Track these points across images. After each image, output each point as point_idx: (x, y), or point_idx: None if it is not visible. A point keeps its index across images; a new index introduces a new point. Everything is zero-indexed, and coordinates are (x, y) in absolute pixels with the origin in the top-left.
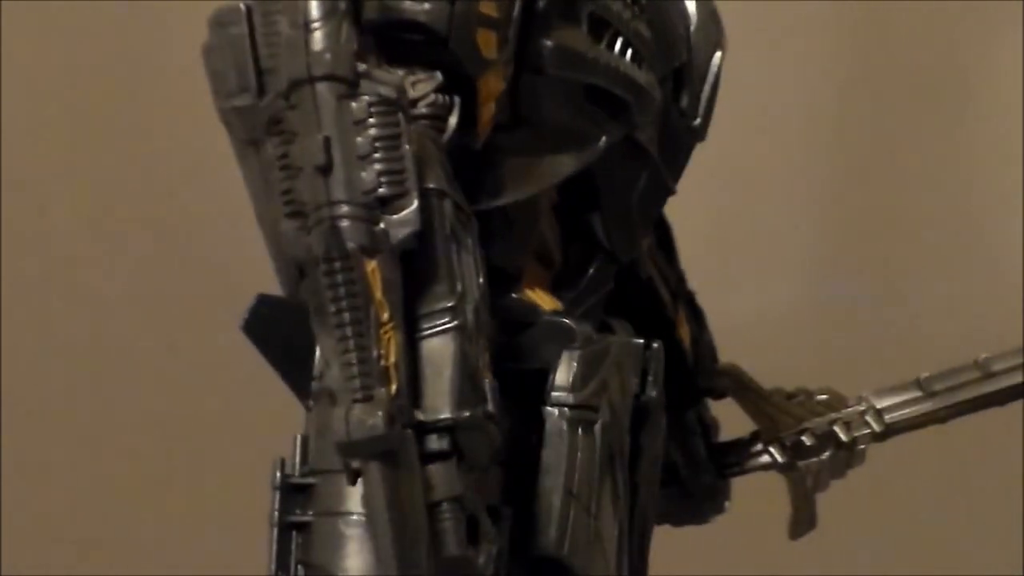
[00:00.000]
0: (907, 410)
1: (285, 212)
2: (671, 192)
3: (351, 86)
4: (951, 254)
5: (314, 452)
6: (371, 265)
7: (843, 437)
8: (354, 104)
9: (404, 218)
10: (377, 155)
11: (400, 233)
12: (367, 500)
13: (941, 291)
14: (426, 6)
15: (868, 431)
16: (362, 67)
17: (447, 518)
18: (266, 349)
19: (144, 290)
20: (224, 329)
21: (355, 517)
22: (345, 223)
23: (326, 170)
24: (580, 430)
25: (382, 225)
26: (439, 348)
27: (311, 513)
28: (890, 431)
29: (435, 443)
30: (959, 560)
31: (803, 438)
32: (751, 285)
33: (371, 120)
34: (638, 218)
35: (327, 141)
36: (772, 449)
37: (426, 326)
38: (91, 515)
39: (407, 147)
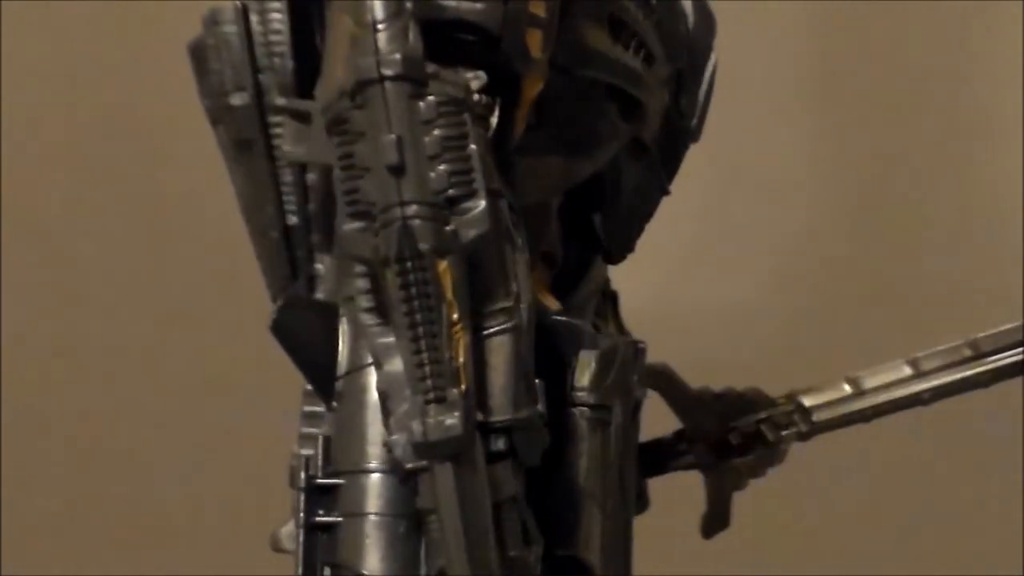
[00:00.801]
0: (834, 409)
1: (348, 212)
2: (666, 192)
3: (420, 86)
4: (949, 245)
5: (338, 452)
6: (442, 265)
7: (769, 437)
8: (422, 104)
9: (473, 218)
10: (445, 155)
11: (470, 234)
12: (438, 501)
13: (936, 285)
14: (479, 6)
15: (794, 430)
16: (430, 67)
17: (508, 518)
18: (292, 350)
19: (145, 290)
20: (225, 330)
21: (376, 517)
22: (417, 223)
23: (398, 170)
24: (600, 430)
25: (451, 226)
26: (497, 349)
27: (336, 513)
28: (816, 431)
29: (495, 443)
30: (959, 560)
31: (729, 437)
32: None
33: (439, 120)
34: (636, 218)
35: (399, 141)
36: (697, 448)
37: (484, 326)
38: (91, 515)
39: (473, 147)
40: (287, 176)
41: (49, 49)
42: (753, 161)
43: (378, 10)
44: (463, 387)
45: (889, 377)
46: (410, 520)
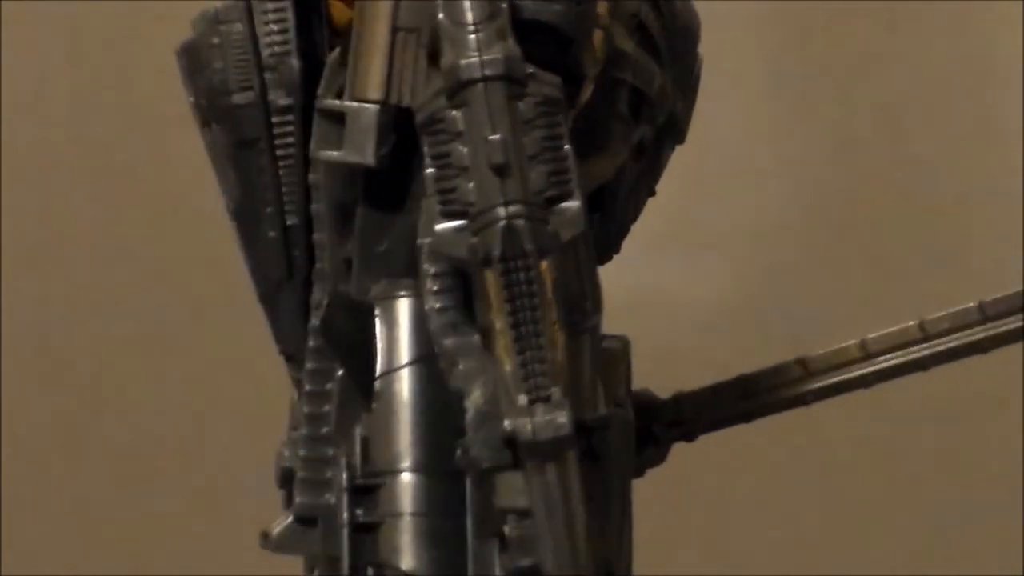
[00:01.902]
0: (718, 411)
1: (442, 212)
2: (652, 193)
3: (521, 86)
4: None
5: (376, 452)
6: (543, 265)
7: (659, 436)
8: (522, 104)
9: (570, 219)
10: (544, 155)
11: (568, 234)
12: (541, 500)
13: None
14: (556, 7)
15: (678, 430)
16: (529, 68)
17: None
18: (338, 348)
19: (145, 291)
20: (226, 330)
21: (415, 517)
22: (520, 223)
23: (503, 170)
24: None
25: (550, 226)
26: (577, 349)
27: (380, 513)
28: (700, 431)
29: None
30: (959, 560)
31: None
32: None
33: (538, 120)
34: (628, 219)
35: (504, 141)
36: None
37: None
38: (91, 515)
39: (568, 147)
40: (287, 176)
41: (50, 49)
42: (723, 153)
43: (480, 10)
44: (563, 387)
45: (780, 379)
46: (452, 520)
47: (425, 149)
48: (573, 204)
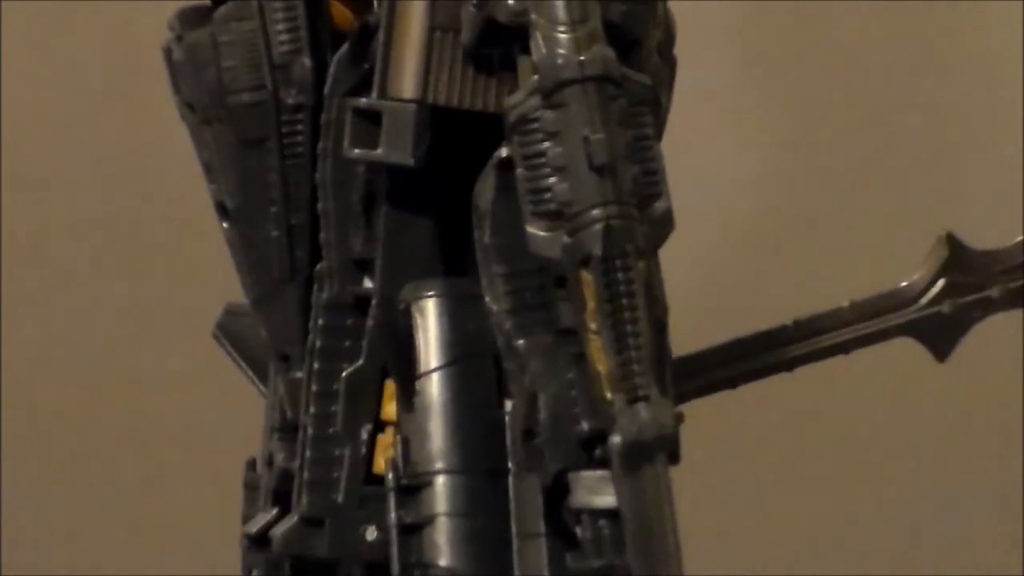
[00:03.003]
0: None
1: (534, 211)
2: None
3: (617, 86)
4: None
5: (418, 453)
6: (640, 265)
7: None
8: (617, 105)
9: (661, 219)
10: (637, 155)
11: (659, 234)
12: (636, 499)
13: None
14: (624, 7)
15: None
16: (622, 68)
17: None
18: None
19: (146, 291)
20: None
21: (458, 518)
22: (620, 223)
23: (603, 170)
24: None
25: (643, 226)
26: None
27: (422, 514)
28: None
29: None
30: (959, 560)
31: None
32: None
33: (631, 121)
34: None
35: (605, 142)
36: None
37: None
38: (91, 515)
39: (657, 147)
40: (294, 175)
41: (51, 49)
42: (692, 146)
43: (576, 10)
44: (659, 385)
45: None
46: (494, 519)
47: (513, 149)
48: (664, 204)
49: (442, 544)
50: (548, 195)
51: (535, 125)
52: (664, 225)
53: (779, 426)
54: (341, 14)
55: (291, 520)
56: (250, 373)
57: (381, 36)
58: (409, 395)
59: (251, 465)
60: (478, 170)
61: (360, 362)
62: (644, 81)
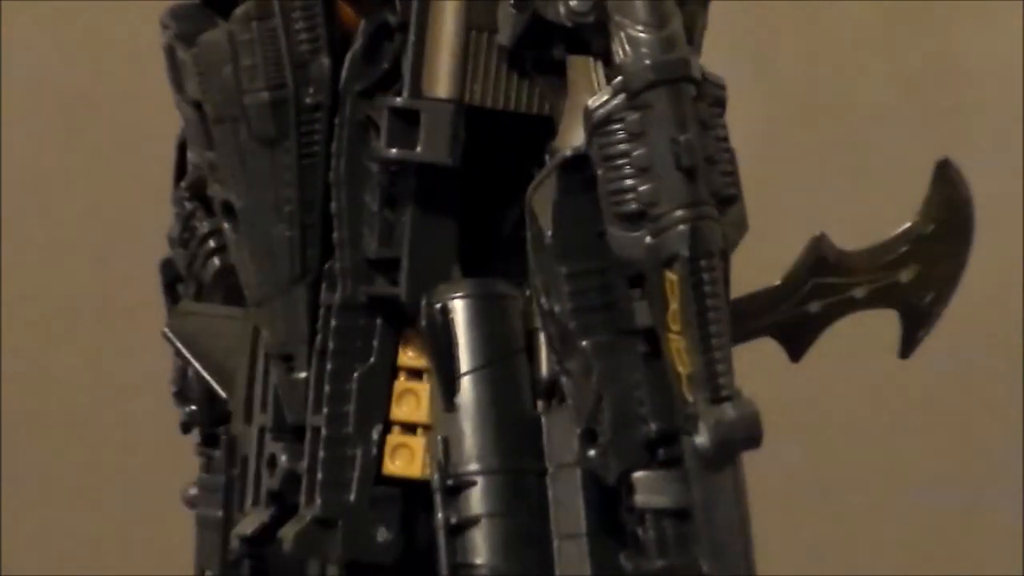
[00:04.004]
0: None
1: (618, 212)
2: None
3: (699, 87)
4: None
5: (457, 454)
6: (722, 265)
7: None
8: (700, 106)
9: (738, 220)
10: (717, 156)
11: (738, 235)
12: (719, 499)
13: None
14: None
15: None
16: (702, 69)
17: None
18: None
19: (146, 290)
20: None
21: (500, 518)
22: (706, 224)
23: (691, 172)
24: None
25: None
26: None
27: (462, 515)
28: None
29: None
30: (959, 560)
31: None
32: None
33: (711, 122)
34: None
35: (693, 143)
36: None
37: None
38: (91, 515)
39: (732, 149)
40: (308, 175)
41: (52, 49)
42: None
43: (656, 10)
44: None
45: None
46: (533, 519)
47: (594, 151)
48: (740, 206)
49: (485, 545)
50: (630, 196)
51: (619, 126)
52: (740, 227)
53: (777, 426)
54: (346, 14)
55: (302, 521)
56: (204, 373)
57: (412, 35)
58: (451, 395)
59: (205, 453)
60: (502, 170)
61: (371, 361)
62: (719, 82)
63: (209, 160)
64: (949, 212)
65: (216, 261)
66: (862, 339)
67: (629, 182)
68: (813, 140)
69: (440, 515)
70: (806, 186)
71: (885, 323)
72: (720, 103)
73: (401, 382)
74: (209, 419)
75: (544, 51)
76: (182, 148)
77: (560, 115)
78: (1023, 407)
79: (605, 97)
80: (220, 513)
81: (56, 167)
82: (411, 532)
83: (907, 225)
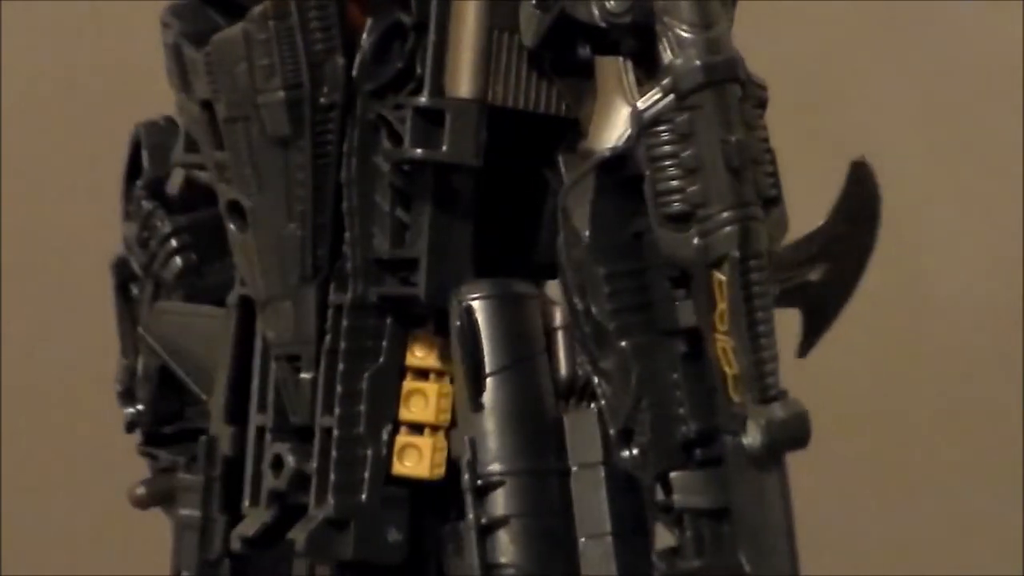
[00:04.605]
0: None
1: (666, 213)
2: None
3: (744, 88)
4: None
5: (489, 453)
6: (769, 266)
7: None
8: (745, 107)
9: (781, 221)
10: (762, 157)
11: (780, 236)
12: (765, 499)
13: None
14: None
15: None
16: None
17: None
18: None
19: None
20: None
21: (526, 518)
22: (755, 224)
23: (739, 172)
24: None
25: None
26: None
27: (498, 515)
28: None
29: None
30: (959, 560)
31: None
32: None
33: (755, 123)
34: None
35: (743, 144)
36: None
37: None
38: (91, 515)
39: (773, 150)
40: (320, 174)
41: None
42: None
43: (705, 11)
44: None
45: None
46: (558, 519)
47: (641, 151)
48: (782, 207)
49: (513, 545)
50: (678, 196)
51: (667, 127)
52: (782, 227)
53: None
54: (351, 13)
55: (313, 522)
56: (180, 373)
57: (432, 35)
58: (479, 395)
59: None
60: (512, 170)
61: (381, 362)
62: (761, 83)
63: (217, 160)
64: (860, 212)
65: (178, 260)
66: (861, 338)
67: (677, 183)
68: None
69: (471, 515)
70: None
71: (885, 321)
72: (762, 104)
73: (408, 382)
74: (154, 419)
75: (568, 51)
76: (136, 147)
77: (588, 116)
78: (1023, 407)
79: (655, 98)
80: (198, 513)
81: (56, 166)
82: (417, 533)
83: (819, 225)
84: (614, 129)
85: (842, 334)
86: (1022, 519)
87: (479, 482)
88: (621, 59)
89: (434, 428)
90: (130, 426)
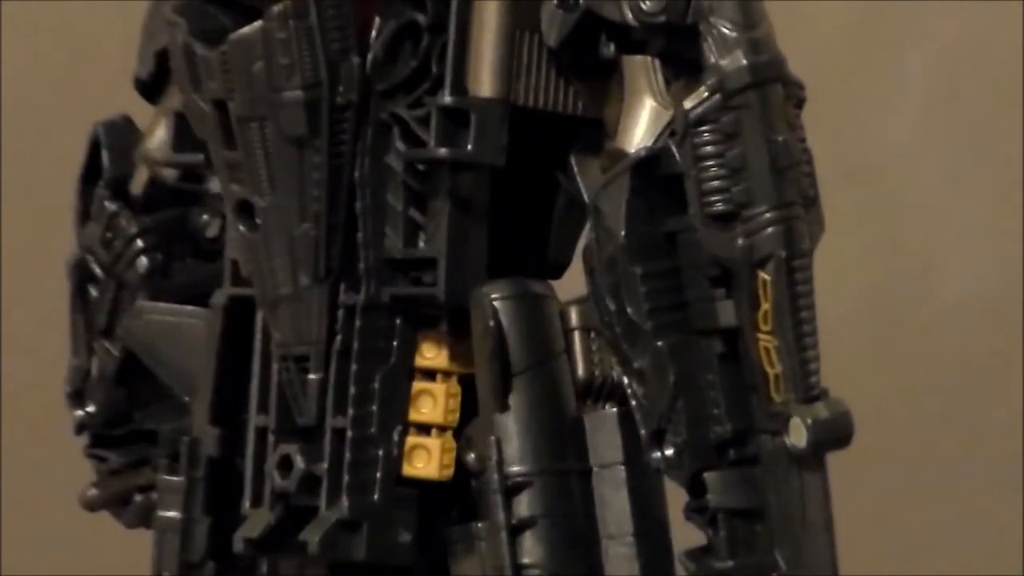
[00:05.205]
0: None
1: (710, 212)
2: None
3: (784, 87)
4: None
5: (516, 453)
6: (811, 265)
7: None
8: (786, 107)
9: (819, 219)
10: (803, 157)
11: (819, 235)
12: (809, 498)
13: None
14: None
15: None
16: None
17: None
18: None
19: None
20: None
21: (550, 519)
22: (799, 223)
23: (784, 172)
24: None
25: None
26: None
27: (526, 515)
28: None
29: None
30: (959, 560)
31: None
32: None
33: (795, 122)
34: None
35: (789, 144)
36: None
37: None
38: (91, 515)
39: (809, 149)
40: (334, 174)
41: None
42: None
43: (750, 12)
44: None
45: None
46: (582, 520)
47: (685, 151)
48: (819, 206)
49: (540, 546)
50: (723, 196)
51: (713, 126)
52: (820, 226)
53: None
54: (360, 12)
55: (326, 523)
56: (159, 374)
57: (452, 35)
58: (505, 395)
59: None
60: (532, 170)
61: (392, 362)
62: (800, 82)
63: (228, 159)
64: None
65: (144, 261)
66: (860, 337)
67: (722, 183)
68: None
69: (501, 516)
70: None
71: (883, 321)
72: (800, 104)
73: (416, 383)
74: (105, 421)
75: (590, 51)
76: (94, 146)
77: (614, 115)
78: (1023, 406)
79: (701, 98)
80: (179, 515)
81: (56, 166)
82: (425, 534)
83: None
84: (641, 128)
85: (843, 332)
86: (1022, 519)
87: (508, 482)
88: (649, 59)
89: (441, 429)
90: (80, 428)
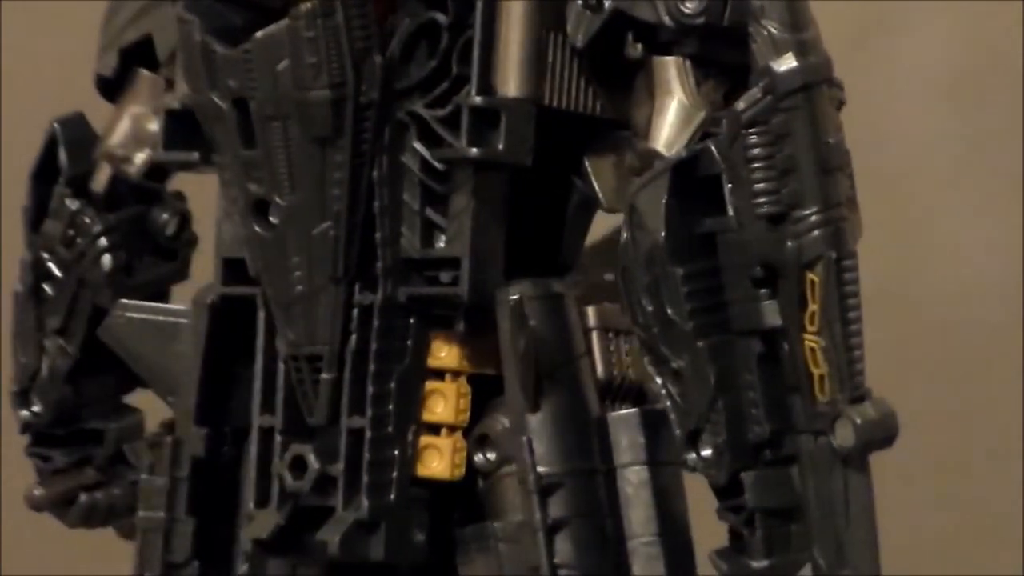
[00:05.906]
0: None
1: (760, 213)
2: None
3: (830, 90)
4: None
5: (545, 454)
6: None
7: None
8: (833, 110)
9: (859, 221)
10: (846, 159)
11: (859, 235)
12: (854, 497)
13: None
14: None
15: None
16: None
17: None
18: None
19: None
20: None
21: (579, 519)
22: (846, 225)
23: (834, 173)
24: None
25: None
26: None
27: (559, 516)
28: None
29: None
30: (959, 560)
31: None
32: None
33: (841, 123)
34: None
35: (839, 145)
36: None
37: None
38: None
39: (848, 150)
40: (357, 173)
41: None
42: None
43: (805, 13)
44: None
45: None
46: (608, 520)
47: (736, 152)
48: (858, 208)
49: (570, 545)
50: (773, 197)
51: (764, 127)
52: (860, 227)
53: None
54: (376, 11)
55: (344, 523)
56: (140, 373)
57: (478, 35)
58: (536, 396)
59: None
60: (551, 171)
61: (407, 362)
62: (840, 84)
63: (245, 158)
64: None
65: (108, 259)
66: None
67: (771, 184)
68: None
69: (537, 516)
70: None
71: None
72: (840, 106)
73: (427, 383)
74: (53, 420)
75: (615, 52)
76: (51, 144)
77: (644, 116)
78: (1023, 407)
79: (754, 99)
80: (162, 515)
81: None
82: (435, 534)
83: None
84: (674, 128)
85: None
86: (1022, 519)
87: (543, 483)
88: (681, 59)
89: (451, 428)
90: (25, 427)
